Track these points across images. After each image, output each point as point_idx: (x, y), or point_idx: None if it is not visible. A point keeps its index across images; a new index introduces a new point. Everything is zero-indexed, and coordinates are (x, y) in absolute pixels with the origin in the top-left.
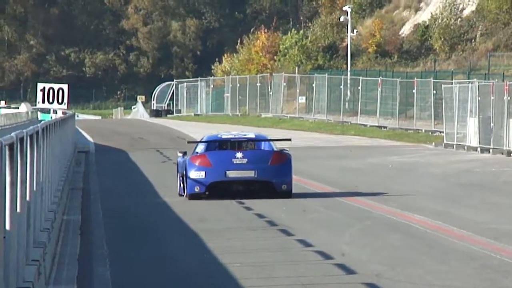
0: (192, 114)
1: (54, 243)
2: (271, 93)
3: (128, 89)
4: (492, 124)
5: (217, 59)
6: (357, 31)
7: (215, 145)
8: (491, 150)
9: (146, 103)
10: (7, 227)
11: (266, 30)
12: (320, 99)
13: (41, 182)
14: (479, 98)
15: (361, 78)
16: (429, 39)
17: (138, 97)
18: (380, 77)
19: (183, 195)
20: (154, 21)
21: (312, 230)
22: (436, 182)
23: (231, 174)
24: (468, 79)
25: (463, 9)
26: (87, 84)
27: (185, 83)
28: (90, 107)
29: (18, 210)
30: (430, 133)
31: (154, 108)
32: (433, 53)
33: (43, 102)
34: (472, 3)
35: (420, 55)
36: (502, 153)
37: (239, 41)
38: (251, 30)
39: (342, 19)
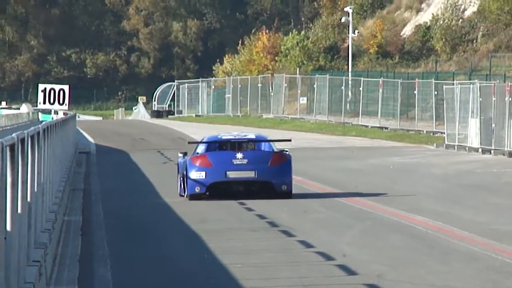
0: (193, 115)
1: (55, 244)
2: (272, 94)
3: (129, 90)
4: (493, 125)
5: (218, 60)
6: (358, 32)
7: (216, 145)
8: (492, 151)
9: (147, 104)
10: (8, 228)
11: (267, 31)
12: (321, 100)
13: (42, 183)
14: (481, 99)
15: (362, 79)
16: (431, 40)
17: (139, 98)
18: (382, 78)
19: (184, 196)
20: (155, 22)
21: (313, 231)
22: (437, 183)
23: (231, 174)
24: (470, 80)
25: (464, 10)
26: (88, 84)
27: (186, 84)
28: (91, 107)
29: (19, 211)
30: (431, 134)
31: (155, 109)
32: (434, 54)
33: (44, 102)
34: (474, 4)
35: (422, 56)
36: (504, 154)
37: (240, 42)
38: (252, 31)
39: (343, 20)
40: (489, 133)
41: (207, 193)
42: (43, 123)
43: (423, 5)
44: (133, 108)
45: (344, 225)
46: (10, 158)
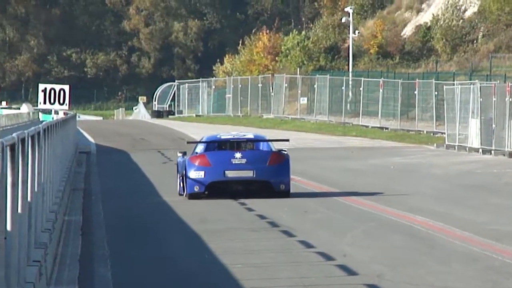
0: (194, 115)
1: (55, 243)
2: (272, 94)
3: (130, 90)
4: (493, 126)
5: (218, 60)
6: (358, 32)
7: (214, 145)
8: (492, 152)
9: (147, 104)
10: (8, 227)
11: (267, 31)
12: (321, 100)
13: (42, 182)
14: (481, 99)
15: (362, 79)
16: (431, 40)
17: (140, 98)
18: (382, 78)
19: (183, 195)
20: (155, 22)
21: (313, 231)
22: (438, 183)
23: (230, 174)
24: (470, 80)
25: (464, 10)
26: (88, 84)
27: (186, 84)
28: (92, 107)
29: (19, 210)
30: (431, 134)
31: (156, 109)
32: (434, 54)
33: (45, 102)
34: (474, 5)
35: (422, 56)
36: (504, 155)
37: (240, 42)
38: (253, 31)
39: (343, 20)
40: (489, 133)
41: (206, 192)
42: (44, 123)
43: (424, 6)
44: (134, 108)
45: (344, 225)
46: (11, 158)
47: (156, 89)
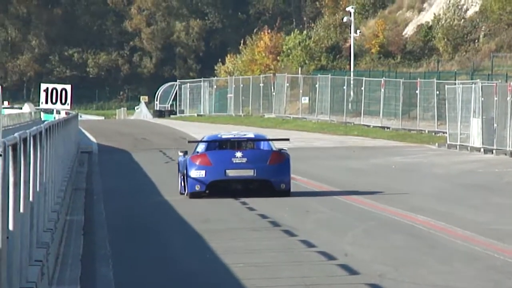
0: (195, 114)
1: (57, 243)
2: (274, 93)
3: (131, 90)
4: (495, 125)
5: (220, 60)
6: (360, 32)
7: (215, 144)
8: (494, 151)
9: (149, 104)
10: (10, 227)
11: (269, 31)
12: (323, 99)
13: (44, 182)
14: (482, 98)
15: (364, 78)
16: (432, 39)
17: (141, 97)
18: (383, 77)
19: (184, 194)
20: (157, 22)
21: (315, 231)
22: (439, 182)
23: (231, 173)
24: (471, 79)
25: (466, 9)
26: (90, 84)
27: (188, 84)
28: (93, 107)
29: (21, 210)
30: (433, 133)
31: (157, 108)
32: (436, 53)
33: (46, 102)
34: (475, 4)
35: (423, 55)
36: (506, 154)
37: (242, 41)
38: (254, 30)
39: (345, 19)
40: (491, 133)
41: (207, 192)
42: (45, 122)
43: (425, 5)
44: (135, 108)
45: (345, 225)
46: (13, 157)
47: (158, 88)
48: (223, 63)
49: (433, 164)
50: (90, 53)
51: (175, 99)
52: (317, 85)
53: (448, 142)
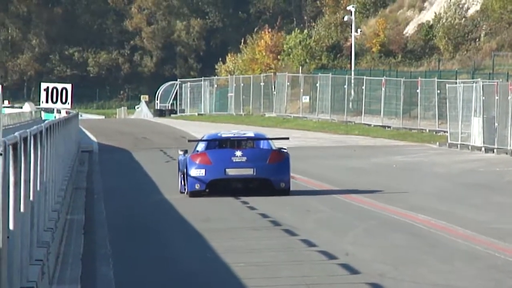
0: (196, 113)
1: (57, 242)
2: (274, 92)
3: (132, 89)
4: (496, 124)
5: (220, 59)
6: (361, 31)
7: (215, 143)
8: (495, 150)
9: (149, 103)
10: (11, 227)
11: (269, 30)
12: (324, 98)
13: (44, 181)
14: (483, 97)
15: (365, 77)
16: (433, 38)
17: (142, 96)
18: (384, 76)
19: (184, 192)
20: (158, 21)
21: (315, 230)
22: (440, 181)
23: (231, 172)
24: (472, 78)
25: (467, 8)
26: (90, 83)
27: (188, 83)
28: (94, 106)
29: (22, 210)
30: (434, 132)
31: (158, 107)
32: (437, 52)
33: (47, 101)
34: (476, 3)
35: (424, 54)
36: (506, 153)
37: (242, 40)
38: (255, 29)
39: (346, 18)
40: (492, 132)
41: (207, 190)
42: (46, 122)
43: (426, 4)
44: (136, 107)
45: (346, 224)
46: (13, 157)
47: (158, 88)
48: (224, 62)
49: (434, 163)
50: (91, 52)
51: (175, 98)
52: (317, 84)
53: (449, 141)
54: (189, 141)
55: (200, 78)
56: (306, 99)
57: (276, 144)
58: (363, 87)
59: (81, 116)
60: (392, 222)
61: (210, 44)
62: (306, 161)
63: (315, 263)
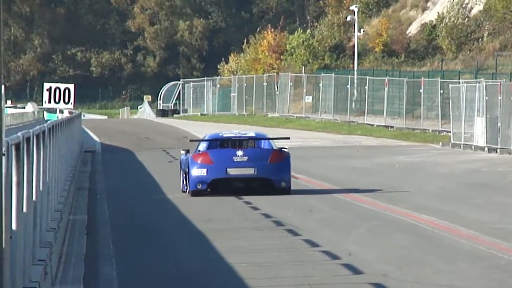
0: (199, 113)
1: (60, 243)
2: (277, 92)
3: (135, 89)
4: (499, 124)
5: (223, 59)
6: (364, 31)
7: (217, 143)
8: (498, 150)
9: (152, 103)
10: (14, 227)
11: (272, 30)
12: (326, 98)
13: (47, 182)
14: (487, 97)
15: (368, 77)
16: (436, 38)
17: (145, 96)
18: (387, 76)
19: (186, 192)
20: (160, 21)
21: (318, 230)
22: (443, 182)
23: (232, 171)
24: (476, 78)
25: (470, 8)
26: (93, 83)
27: (191, 83)
28: (97, 106)
29: (25, 210)
30: (437, 132)
31: (161, 107)
32: (440, 52)
33: (50, 101)
34: (480, 3)
35: (427, 54)
36: (510, 153)
37: (245, 40)
38: (258, 29)
39: (349, 18)
40: (495, 132)
41: (208, 190)
42: (49, 122)
43: (429, 4)
44: (139, 107)
45: (349, 224)
46: (16, 157)
47: (161, 88)
48: (227, 62)
49: (437, 163)
50: (93, 52)
51: (178, 98)
52: (320, 84)
53: (452, 141)
54: (190, 141)
55: (203, 78)
56: (309, 99)
57: (277, 144)
58: (366, 87)
59: (84, 116)
60: (395, 222)
61: (213, 44)
62: (309, 161)
63: (318, 263)
